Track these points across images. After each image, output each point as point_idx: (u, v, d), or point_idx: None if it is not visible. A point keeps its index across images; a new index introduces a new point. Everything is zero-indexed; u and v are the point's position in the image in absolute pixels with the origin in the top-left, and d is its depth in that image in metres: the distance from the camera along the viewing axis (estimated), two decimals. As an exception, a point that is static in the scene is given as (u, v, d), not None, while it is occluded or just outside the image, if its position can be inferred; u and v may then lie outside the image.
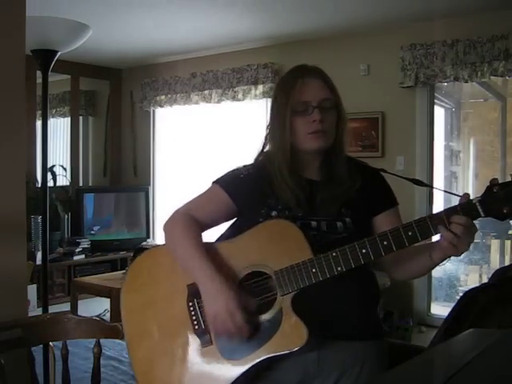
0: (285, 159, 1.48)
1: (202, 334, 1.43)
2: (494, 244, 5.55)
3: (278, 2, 4.15)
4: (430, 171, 4.66)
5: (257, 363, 1.37)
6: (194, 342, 1.44)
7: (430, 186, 1.63)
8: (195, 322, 1.44)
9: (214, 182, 1.58)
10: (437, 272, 4.99)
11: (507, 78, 4.25)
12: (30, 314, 2.74)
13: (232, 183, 1.55)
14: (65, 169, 5.93)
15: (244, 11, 4.40)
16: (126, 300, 1.54)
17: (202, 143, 5.97)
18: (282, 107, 1.48)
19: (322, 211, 1.47)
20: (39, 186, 4.52)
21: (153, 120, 6.42)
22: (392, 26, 4.68)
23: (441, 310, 4.72)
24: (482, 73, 4.22)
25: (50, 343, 2.26)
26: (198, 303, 1.44)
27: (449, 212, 1.30)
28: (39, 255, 5.00)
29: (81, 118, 6.52)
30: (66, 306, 4.77)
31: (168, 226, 1.54)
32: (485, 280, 5.20)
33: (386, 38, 4.75)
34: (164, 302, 1.49)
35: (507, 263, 5.13)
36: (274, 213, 1.47)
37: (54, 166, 5.62)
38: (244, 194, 1.53)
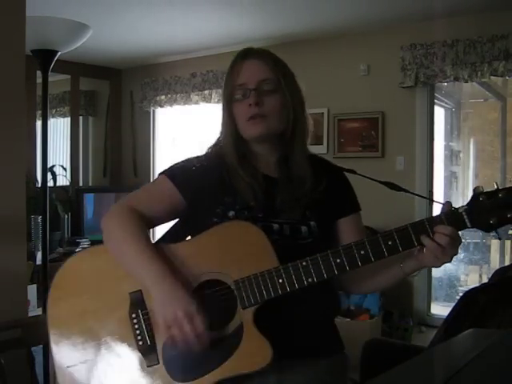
0: (233, 149, 1.35)
1: (148, 351, 1.21)
2: (494, 244, 5.55)
3: (278, 1, 4.15)
4: (429, 171, 4.66)
5: None
6: (137, 361, 1.22)
7: (406, 191, 1.50)
8: (139, 337, 1.22)
9: (161, 173, 1.39)
10: (437, 272, 4.99)
11: (507, 77, 4.25)
12: (30, 314, 2.74)
13: (182, 176, 1.37)
14: (65, 169, 5.93)
15: (244, 11, 4.40)
16: (53, 311, 1.30)
17: (202, 143, 5.97)
18: (223, 94, 1.38)
19: (285, 213, 1.32)
20: (39, 185, 4.52)
21: (153, 120, 6.41)
22: (392, 26, 4.67)
23: (441, 309, 4.72)
24: (482, 73, 4.22)
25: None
26: (142, 315, 1.23)
27: (433, 221, 1.21)
28: (39, 255, 4.99)
29: (81, 118, 6.51)
30: (66, 306, 4.76)
31: (107, 223, 1.35)
32: (485, 280, 5.20)
33: (386, 38, 4.74)
34: (100, 313, 1.25)
35: (507, 263, 5.13)
36: (231, 213, 1.31)
37: (54, 165, 5.61)
38: (196, 188, 1.35)
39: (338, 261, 1.19)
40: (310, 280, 1.19)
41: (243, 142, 1.37)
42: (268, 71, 1.35)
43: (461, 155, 5.57)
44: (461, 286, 5.34)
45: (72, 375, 1.25)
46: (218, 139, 1.43)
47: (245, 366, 1.18)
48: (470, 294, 1.87)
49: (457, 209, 1.21)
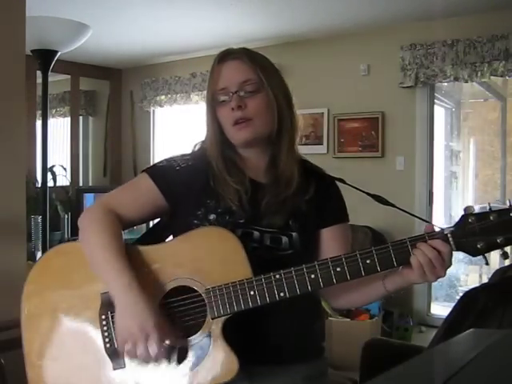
0: (218, 154, 1.31)
1: (115, 353, 1.19)
2: (494, 244, 5.54)
3: (279, 2, 4.15)
4: (430, 171, 4.66)
5: None
6: (104, 364, 1.19)
7: (393, 205, 1.39)
8: (107, 340, 1.20)
9: (144, 171, 1.35)
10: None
11: (507, 77, 4.25)
12: (30, 313, 2.73)
13: (165, 175, 1.32)
14: (65, 169, 5.93)
15: (244, 11, 4.40)
16: (26, 305, 1.28)
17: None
18: (206, 99, 1.33)
19: (268, 220, 1.27)
20: (39, 185, 4.52)
21: (153, 120, 6.42)
22: (392, 26, 4.68)
23: (441, 309, 4.72)
24: (482, 73, 4.22)
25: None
26: (112, 317, 1.19)
27: (415, 241, 1.14)
28: (39, 255, 5.00)
29: (81, 117, 6.52)
30: (66, 306, 4.77)
31: (83, 221, 1.29)
32: (485, 280, 5.20)
33: (386, 37, 4.75)
34: (72, 311, 1.24)
35: (507, 263, 5.13)
36: (212, 216, 1.26)
37: (53, 166, 5.61)
38: (178, 189, 1.30)
39: (313, 276, 1.14)
40: (282, 295, 1.15)
41: (230, 146, 1.33)
42: (248, 71, 1.28)
43: (461, 155, 5.57)
44: (461, 286, 5.34)
45: (40, 371, 1.24)
46: (205, 140, 1.38)
47: (210, 378, 1.15)
48: (470, 294, 1.87)
49: (443, 230, 1.15)
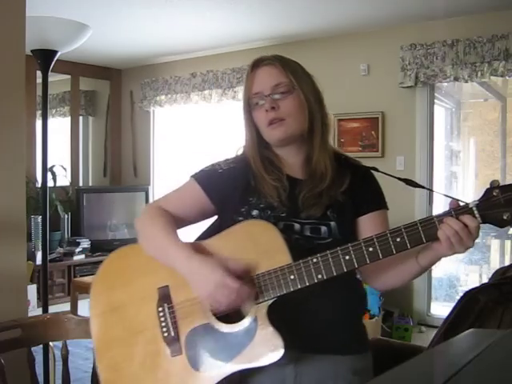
0: (256, 155, 1.42)
1: (172, 342, 1.31)
2: (494, 244, 5.55)
3: (279, 2, 4.15)
4: (430, 171, 4.66)
5: (227, 377, 1.25)
6: (163, 351, 1.32)
7: (422, 187, 1.58)
8: (164, 329, 1.32)
9: (191, 177, 1.47)
10: (437, 272, 4.99)
11: (507, 77, 4.25)
12: (30, 314, 2.74)
13: (209, 179, 1.44)
14: (65, 169, 5.93)
15: (244, 11, 4.40)
16: (94, 304, 1.42)
17: (202, 143, 5.97)
18: (243, 104, 1.45)
19: (306, 212, 1.36)
20: (39, 185, 4.52)
21: (153, 120, 6.42)
22: (392, 26, 4.68)
23: (441, 310, 4.72)
24: (482, 73, 4.22)
25: (50, 343, 2.26)
26: (168, 308, 1.33)
27: (442, 216, 1.20)
28: (39, 255, 5.00)
29: (81, 118, 6.52)
30: (65, 306, 4.77)
31: (140, 221, 1.42)
32: (485, 280, 5.19)
33: (386, 37, 4.75)
34: (133, 306, 1.37)
35: (507, 263, 5.13)
36: (255, 212, 1.36)
37: (54, 166, 5.61)
38: (222, 191, 1.41)
39: (347, 258, 1.22)
40: (319, 277, 1.22)
41: (267, 147, 1.43)
42: (279, 75, 1.38)
43: (461, 155, 5.57)
44: (461, 286, 5.34)
45: (109, 363, 1.38)
46: (242, 148, 1.49)
47: (256, 360, 1.23)
48: (470, 294, 1.87)
49: (467, 204, 1.19)
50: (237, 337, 1.26)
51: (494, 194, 1.16)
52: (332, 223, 1.36)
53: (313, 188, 1.37)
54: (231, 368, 1.25)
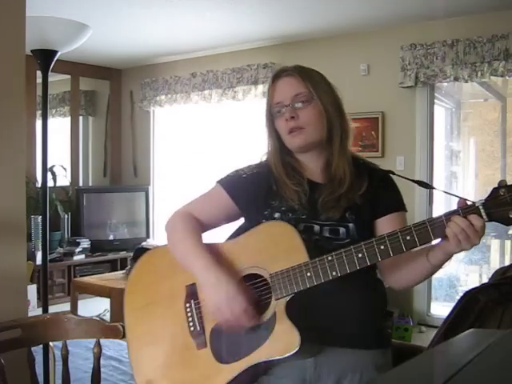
0: (278, 161, 1.50)
1: (198, 335, 1.41)
2: (494, 244, 5.54)
3: (278, 2, 4.15)
4: (430, 171, 4.67)
5: (248, 368, 1.34)
6: (189, 344, 1.42)
7: (436, 188, 1.69)
8: (191, 324, 1.42)
9: (217, 182, 1.56)
10: (437, 272, 4.98)
11: (507, 77, 4.25)
12: (30, 313, 2.74)
13: (234, 184, 1.53)
14: (65, 169, 5.93)
15: (244, 11, 4.40)
16: (127, 302, 1.54)
17: (202, 143, 5.97)
18: (265, 113, 1.52)
19: (326, 214, 1.43)
20: (39, 185, 4.52)
21: (153, 120, 6.42)
22: (392, 26, 4.68)
23: (441, 310, 4.72)
24: (482, 73, 4.22)
25: (50, 343, 2.26)
26: (194, 304, 1.43)
27: (449, 215, 1.25)
28: (39, 255, 5.00)
29: (81, 117, 6.52)
30: (66, 306, 4.77)
31: (168, 226, 1.53)
32: (485, 280, 5.19)
33: (386, 37, 4.75)
34: (163, 303, 1.48)
35: (507, 263, 5.13)
36: (277, 214, 1.45)
37: (54, 166, 5.61)
38: (246, 194, 1.50)
39: (360, 255, 1.28)
40: (334, 274, 1.29)
41: (288, 153, 1.51)
42: (299, 85, 1.46)
43: (461, 155, 5.57)
44: (461, 286, 5.33)
45: (140, 355, 1.50)
46: (264, 155, 1.57)
47: (275, 352, 1.31)
48: (470, 294, 1.87)
49: (474, 203, 1.24)
50: (257, 331, 1.34)
51: (501, 193, 1.21)
52: (350, 225, 1.43)
53: (332, 192, 1.44)
54: (251, 360, 1.33)
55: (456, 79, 4.36)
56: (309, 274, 1.31)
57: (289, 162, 1.51)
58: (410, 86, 4.56)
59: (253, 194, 1.49)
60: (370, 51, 4.83)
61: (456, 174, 5.58)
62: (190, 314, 1.43)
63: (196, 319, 1.42)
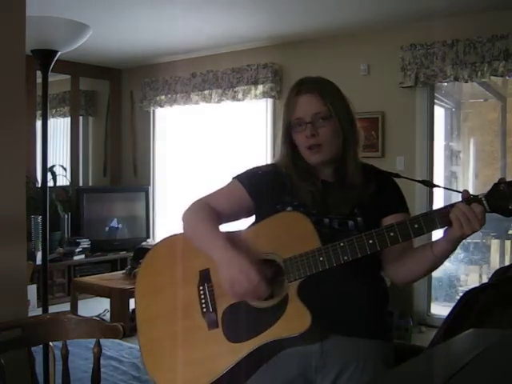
0: (291, 165, 1.56)
1: (210, 315, 1.47)
2: (494, 244, 5.54)
3: (278, 2, 4.15)
4: (430, 171, 4.66)
5: (259, 347, 1.39)
6: (201, 324, 1.47)
7: (440, 187, 1.89)
8: (203, 305, 1.48)
9: (233, 178, 1.64)
10: (437, 272, 4.98)
11: (507, 77, 4.25)
12: (30, 313, 2.73)
13: (250, 179, 1.62)
14: (65, 169, 5.93)
15: (244, 11, 4.40)
16: (140, 285, 1.59)
17: (202, 143, 5.97)
18: (283, 123, 1.58)
19: (335, 210, 1.52)
20: (39, 185, 4.52)
21: (153, 120, 6.41)
22: (392, 26, 4.68)
23: (441, 310, 4.72)
24: (482, 73, 4.22)
25: (50, 343, 2.26)
26: (208, 287, 1.49)
27: (454, 206, 1.36)
28: (39, 255, 5.00)
29: (81, 117, 6.52)
30: (66, 306, 4.77)
31: (186, 213, 1.60)
32: (485, 280, 5.19)
33: (386, 38, 4.75)
34: (175, 287, 1.53)
35: (507, 263, 5.13)
36: (289, 208, 1.52)
37: (54, 165, 5.61)
38: (261, 189, 1.59)
39: (371, 241, 1.36)
40: (345, 258, 1.37)
41: (302, 158, 1.57)
42: (319, 104, 1.53)
43: (461, 155, 5.57)
44: (461, 286, 5.33)
45: (151, 337, 1.53)
46: (276, 159, 1.64)
47: (286, 331, 1.37)
48: (470, 294, 1.87)
49: (477, 195, 1.35)
50: (270, 311, 1.40)
51: (501, 187, 1.32)
52: (359, 219, 1.51)
53: (343, 192, 1.53)
54: (263, 339, 1.39)
55: (456, 79, 4.36)
56: (321, 259, 1.38)
57: (302, 166, 1.57)
58: (410, 86, 4.56)
59: (267, 189, 1.58)
60: (370, 51, 4.83)
61: (456, 174, 5.58)
62: (203, 296, 1.48)
63: (209, 301, 1.47)
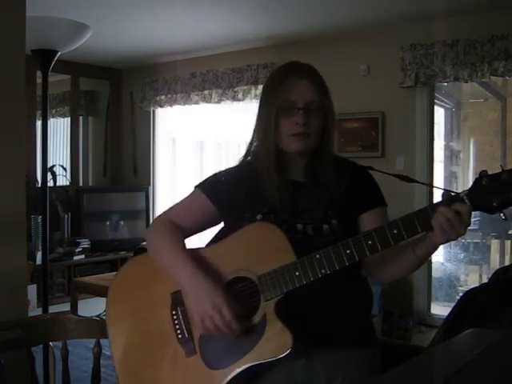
0: (269, 158, 1.43)
1: (186, 342, 1.37)
2: (494, 244, 5.54)
3: (278, 2, 4.15)
4: (430, 171, 4.66)
5: (240, 372, 1.31)
6: (178, 352, 1.38)
7: (417, 182, 1.61)
8: (178, 331, 1.39)
9: (195, 187, 1.53)
10: (437, 272, 4.99)
11: (507, 77, 4.25)
12: (30, 313, 2.74)
13: (213, 187, 1.51)
14: (65, 169, 5.93)
15: (244, 11, 4.40)
16: (110, 312, 1.50)
17: (202, 143, 5.97)
18: (269, 105, 1.44)
19: (308, 214, 1.42)
20: (39, 185, 4.52)
21: (153, 120, 6.41)
22: (392, 26, 4.67)
23: (441, 309, 4.72)
24: (482, 73, 4.22)
25: (50, 343, 2.26)
26: (181, 311, 1.39)
27: (435, 206, 1.24)
28: (39, 255, 5.00)
29: (81, 117, 6.52)
30: (66, 306, 4.76)
31: (149, 235, 1.51)
32: (485, 280, 5.19)
33: (386, 37, 4.74)
34: (147, 312, 1.45)
35: (507, 263, 5.13)
36: (259, 216, 1.42)
37: (54, 165, 5.61)
38: (226, 197, 1.48)
39: (348, 251, 1.27)
40: (323, 271, 1.28)
41: (279, 151, 1.45)
42: (315, 93, 1.42)
43: (461, 155, 5.57)
44: (461, 286, 5.33)
45: (126, 365, 1.45)
46: (250, 147, 1.52)
47: (268, 353, 1.29)
48: (470, 294, 1.87)
49: (458, 194, 1.25)
50: (247, 334, 1.31)
51: (484, 182, 1.22)
52: (333, 221, 1.41)
53: (314, 193, 1.44)
54: (244, 364, 1.31)
55: (456, 79, 4.36)
56: (297, 273, 1.29)
57: (277, 159, 1.45)
58: (410, 86, 4.56)
59: (233, 197, 1.47)
60: (370, 51, 4.82)
61: (456, 174, 5.59)
62: (176, 322, 1.39)
63: (184, 326, 1.38)
